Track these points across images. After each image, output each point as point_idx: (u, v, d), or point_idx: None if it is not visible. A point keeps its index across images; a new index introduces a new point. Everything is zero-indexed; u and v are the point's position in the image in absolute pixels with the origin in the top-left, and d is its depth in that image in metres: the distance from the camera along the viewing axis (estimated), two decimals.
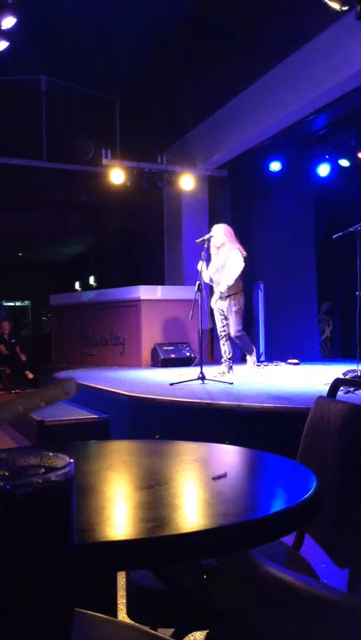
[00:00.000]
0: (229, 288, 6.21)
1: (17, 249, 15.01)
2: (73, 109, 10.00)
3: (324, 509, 1.11)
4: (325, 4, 4.60)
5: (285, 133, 7.71)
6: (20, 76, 9.50)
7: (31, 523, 0.39)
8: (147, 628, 0.83)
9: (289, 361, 8.11)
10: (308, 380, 5.98)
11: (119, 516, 1.03)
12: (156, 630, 1.35)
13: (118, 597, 1.43)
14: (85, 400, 5.91)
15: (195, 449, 1.53)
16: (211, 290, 6.63)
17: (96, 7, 8.32)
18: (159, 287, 9.14)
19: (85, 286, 15.47)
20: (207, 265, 6.25)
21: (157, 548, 0.87)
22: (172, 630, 1.43)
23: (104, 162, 8.91)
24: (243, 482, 1.29)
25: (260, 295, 9.12)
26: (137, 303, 8.78)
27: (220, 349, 6.61)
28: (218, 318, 6.44)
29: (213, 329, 6.77)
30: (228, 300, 6.28)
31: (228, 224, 6.60)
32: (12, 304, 17.22)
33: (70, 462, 0.42)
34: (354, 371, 5.64)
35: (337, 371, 6.00)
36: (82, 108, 10.14)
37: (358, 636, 0.79)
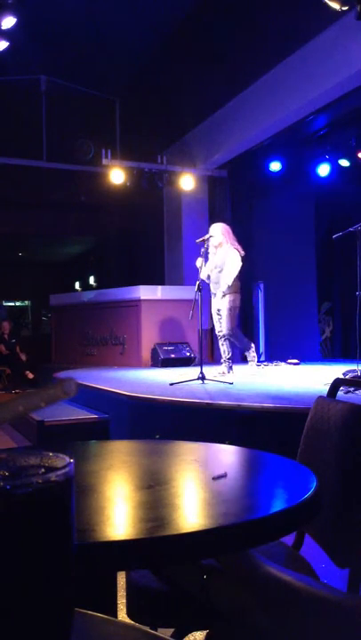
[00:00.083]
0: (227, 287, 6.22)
1: (17, 249, 15.01)
2: (73, 109, 10.00)
3: (324, 509, 1.11)
4: (325, 3, 4.61)
5: (285, 133, 7.72)
6: (20, 75, 9.50)
7: (31, 523, 0.39)
8: (147, 628, 0.83)
9: (289, 361, 8.11)
10: (308, 379, 5.98)
11: (119, 516, 1.03)
12: (156, 630, 1.35)
13: (118, 597, 1.43)
14: (85, 400, 5.90)
15: (195, 449, 1.53)
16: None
17: (96, 7, 8.33)
18: (159, 287, 9.14)
19: (85, 286, 15.47)
20: (205, 263, 6.26)
21: (157, 548, 0.87)
22: (172, 630, 1.43)
23: (104, 162, 8.92)
24: (243, 482, 1.29)
25: (260, 295, 9.13)
26: (137, 303, 8.78)
27: (219, 349, 6.62)
28: (215, 318, 6.44)
29: (213, 329, 6.77)
30: (223, 299, 6.29)
31: (228, 224, 6.60)
32: (12, 304, 17.21)
33: (70, 462, 0.42)
34: (354, 371, 5.64)
35: (337, 371, 6.00)
36: (82, 108, 10.14)
37: (358, 637, 0.79)
